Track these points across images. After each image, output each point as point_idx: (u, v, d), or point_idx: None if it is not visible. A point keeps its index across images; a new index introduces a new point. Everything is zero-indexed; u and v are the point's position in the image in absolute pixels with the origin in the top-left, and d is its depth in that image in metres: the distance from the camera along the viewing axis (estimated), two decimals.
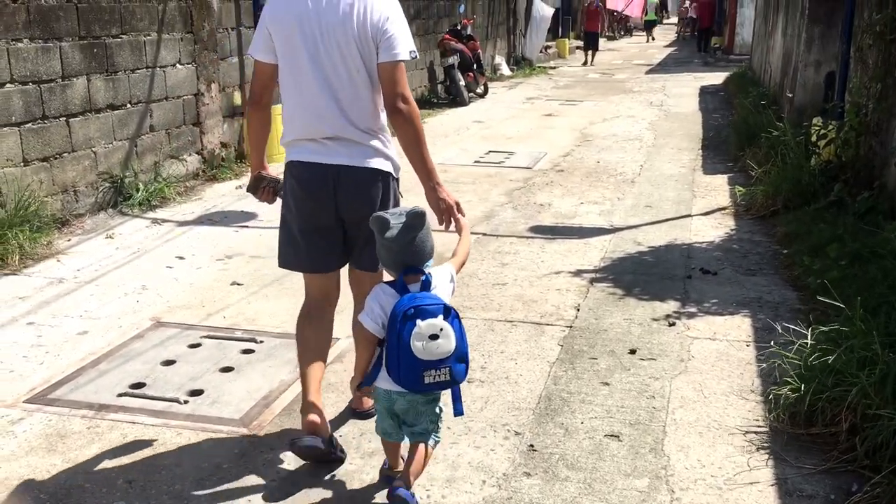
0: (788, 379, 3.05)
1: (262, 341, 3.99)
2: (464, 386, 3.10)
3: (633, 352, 3.78)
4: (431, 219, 2.66)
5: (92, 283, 4.81)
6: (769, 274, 4.87)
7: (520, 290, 4.69)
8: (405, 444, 2.69)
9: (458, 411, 2.56)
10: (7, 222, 5.23)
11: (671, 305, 4.39)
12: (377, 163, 2.88)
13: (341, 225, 2.94)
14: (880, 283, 3.78)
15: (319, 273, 3.06)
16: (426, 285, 2.55)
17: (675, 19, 55.16)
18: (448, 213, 2.88)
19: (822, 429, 2.86)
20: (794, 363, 3.08)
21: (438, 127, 11.00)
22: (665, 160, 8.54)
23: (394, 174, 2.97)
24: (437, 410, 2.62)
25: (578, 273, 4.98)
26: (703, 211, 6.43)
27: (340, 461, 2.92)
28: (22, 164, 5.55)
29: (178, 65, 7.20)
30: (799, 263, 4.75)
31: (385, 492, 2.62)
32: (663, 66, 20.94)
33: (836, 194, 5.66)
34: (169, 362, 3.75)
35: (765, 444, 2.97)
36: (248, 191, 3.18)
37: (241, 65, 8.20)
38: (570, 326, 4.14)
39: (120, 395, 3.43)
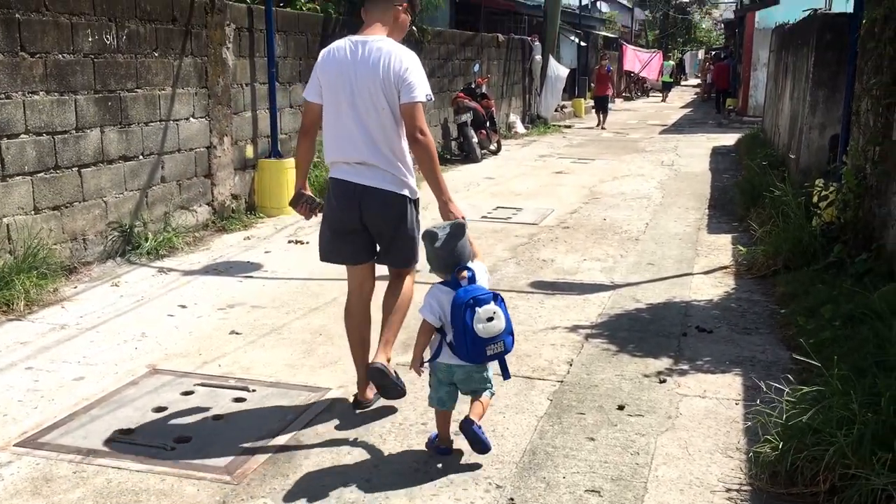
0: (770, 437, 3.04)
1: (254, 390, 4.02)
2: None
3: (621, 407, 3.78)
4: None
5: (93, 330, 4.89)
6: (765, 333, 4.86)
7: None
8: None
9: (506, 376, 3.38)
10: (15, 268, 5.35)
11: (664, 362, 4.39)
12: (394, 187, 3.59)
13: (366, 229, 3.68)
14: (870, 343, 3.77)
15: (349, 265, 3.82)
16: (472, 279, 3.23)
17: (693, 81, 55.96)
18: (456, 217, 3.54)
19: (803, 489, 2.84)
20: (776, 422, 3.08)
21: (449, 182, 11.00)
22: (671, 219, 8.59)
23: (410, 197, 3.66)
24: (486, 374, 3.31)
25: (575, 328, 5.00)
26: (705, 269, 6.44)
27: (401, 391, 3.67)
28: (33, 212, 5.70)
29: (191, 118, 7.40)
30: (794, 323, 4.75)
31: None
32: (677, 127, 21.13)
33: (836, 255, 5.67)
34: (160, 409, 3.79)
35: (745, 503, 2.95)
36: (289, 204, 3.92)
37: (254, 119, 8.41)
38: (562, 381, 4.15)
39: (108, 440, 3.47)
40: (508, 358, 4.36)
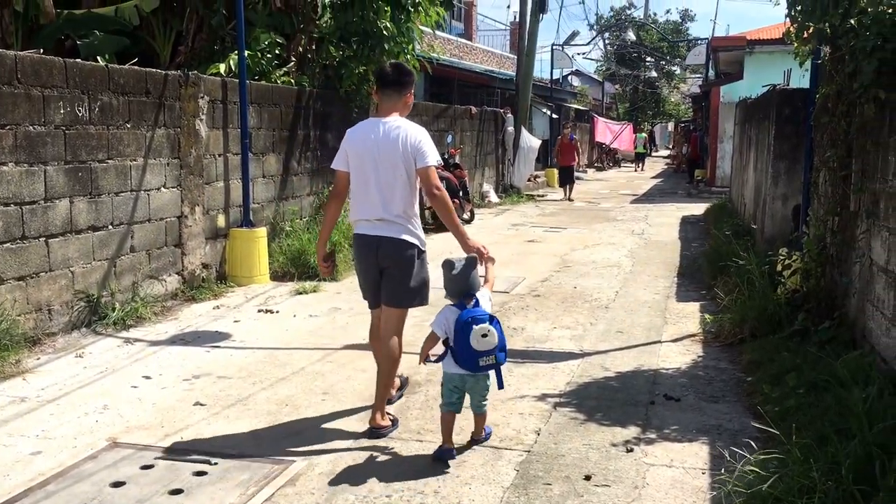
0: None
1: (216, 463, 3.95)
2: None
3: (588, 478, 3.76)
4: None
5: (53, 403, 4.80)
6: (731, 402, 4.88)
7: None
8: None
9: (500, 385, 4.07)
10: None
11: (631, 431, 4.38)
12: (407, 236, 4.38)
13: (381, 274, 4.40)
14: (832, 411, 3.80)
15: (372, 307, 4.60)
16: (477, 303, 4.01)
17: (663, 152, 57.22)
18: (480, 253, 4.28)
19: None
20: (739, 490, 3.07)
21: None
22: (641, 287, 8.67)
23: (419, 246, 4.46)
24: (488, 387, 4.07)
25: (543, 397, 4.98)
26: (673, 337, 6.49)
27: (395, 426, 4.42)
28: None
29: (163, 188, 7.43)
30: (760, 391, 4.78)
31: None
32: (648, 197, 21.50)
33: (800, 324, 5.74)
34: (118, 484, 3.70)
35: None
36: (322, 260, 4.67)
37: (226, 189, 8.46)
38: (529, 451, 4.12)
39: None
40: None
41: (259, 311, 7.34)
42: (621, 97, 55.25)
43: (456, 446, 4.06)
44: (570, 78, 46.68)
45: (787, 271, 6.37)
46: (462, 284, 4.02)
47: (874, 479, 2.81)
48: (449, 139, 15.13)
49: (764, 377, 4.98)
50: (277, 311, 7.31)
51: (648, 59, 51.99)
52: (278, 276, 8.82)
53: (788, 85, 8.37)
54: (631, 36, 39.31)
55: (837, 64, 5.27)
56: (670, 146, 57.66)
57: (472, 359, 3.91)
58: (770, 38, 20.65)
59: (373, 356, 4.62)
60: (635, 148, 38.68)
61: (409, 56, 12.26)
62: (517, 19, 23.01)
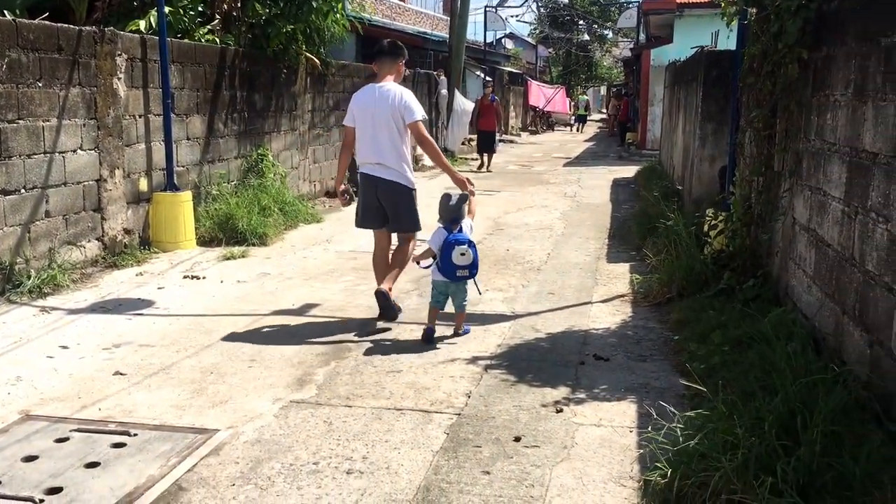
0: (659, 464, 3.05)
1: (135, 434, 3.81)
2: (342, 477, 3.42)
3: (517, 439, 3.75)
4: None
5: None
6: (658, 360, 4.94)
7: (414, 378, 4.64)
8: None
9: (479, 292, 5.75)
10: None
11: (561, 392, 4.39)
12: (400, 179, 5.55)
13: (381, 206, 5.62)
14: (757, 368, 3.87)
15: (374, 229, 5.80)
16: (461, 229, 5.26)
17: (596, 116, 57.72)
18: (464, 183, 5.58)
19: None
20: (665, 448, 3.09)
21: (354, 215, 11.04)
22: (572, 249, 8.72)
23: (410, 186, 5.62)
24: (467, 290, 5.39)
25: (474, 360, 4.96)
26: (603, 298, 6.54)
27: (395, 314, 5.66)
28: None
29: (79, 150, 7.09)
30: (686, 350, 4.84)
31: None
32: (580, 160, 21.67)
33: (726, 282, 5.84)
34: (31, 458, 3.53)
35: None
36: (338, 195, 6.12)
37: (148, 151, 8.14)
38: (459, 414, 4.09)
39: None
40: (405, 391, 4.51)
41: (184, 277, 7.12)
42: (555, 60, 55.39)
43: (441, 337, 5.33)
44: (503, 41, 46.52)
45: (713, 232, 6.47)
46: (453, 213, 5.29)
47: (797, 433, 2.85)
48: None
49: (691, 335, 5.06)
50: (204, 277, 7.10)
51: (581, 22, 52.16)
52: (205, 241, 8.58)
53: (716, 47, 8.44)
54: None
55: (763, 24, 5.30)
56: (603, 110, 58.30)
57: (452, 270, 5.21)
58: (699, 2, 20.87)
59: (375, 268, 5.97)
60: (577, 110, 39.17)
61: (338, 15, 11.97)
62: None
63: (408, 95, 5.50)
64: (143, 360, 4.90)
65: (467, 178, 5.61)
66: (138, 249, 7.90)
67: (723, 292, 5.81)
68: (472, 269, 5.24)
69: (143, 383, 4.52)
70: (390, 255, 5.89)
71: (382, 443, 3.74)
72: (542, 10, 52.23)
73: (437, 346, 5.28)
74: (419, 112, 5.48)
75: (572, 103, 42.35)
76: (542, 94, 38.04)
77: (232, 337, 5.41)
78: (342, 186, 5.99)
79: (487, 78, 24.26)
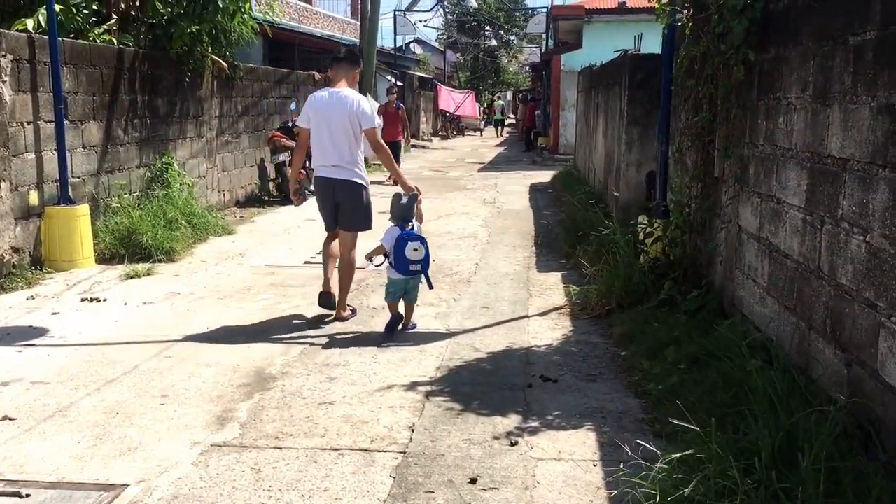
0: None
1: (28, 495, 3.24)
2: None
3: (473, 481, 3.37)
4: None
5: None
6: (609, 379, 4.66)
7: (349, 410, 4.21)
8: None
9: (430, 287, 5.75)
10: None
11: (513, 420, 4.05)
12: (356, 178, 5.72)
13: (337, 207, 5.76)
14: (721, 389, 3.62)
15: (329, 231, 5.99)
16: (412, 227, 5.49)
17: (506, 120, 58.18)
18: (413, 191, 5.66)
19: None
20: (648, 492, 2.77)
21: (268, 226, 10.48)
22: (500, 258, 8.43)
23: (364, 185, 5.79)
24: (419, 286, 5.60)
25: (413, 386, 4.57)
26: (540, 311, 6.26)
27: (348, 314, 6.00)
28: None
29: None
30: (638, 367, 4.59)
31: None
32: (495, 165, 21.53)
33: (668, 292, 5.64)
34: None
35: None
36: (291, 195, 6.30)
37: (38, 161, 7.40)
38: (404, 452, 3.69)
39: None
40: (341, 426, 4.04)
41: (83, 299, 6.45)
42: (462, 66, 55.53)
43: (389, 325, 5.64)
44: (412, 46, 46.31)
45: (648, 239, 6.27)
46: (405, 212, 5.55)
47: (791, 465, 2.58)
48: (293, 106, 14.28)
49: (640, 351, 4.81)
50: (105, 300, 6.46)
51: (487, 28, 52.44)
52: (105, 258, 7.88)
53: (640, 50, 8.32)
54: (472, 3, 39.26)
55: (704, 24, 5.11)
56: (510, 115, 58.74)
57: (405, 265, 5.44)
58: (608, 8, 21.09)
59: (324, 255, 6.16)
60: (495, 115, 39.69)
61: (245, 16, 11.38)
62: None
63: (364, 102, 5.73)
64: (36, 401, 4.30)
65: (416, 186, 5.78)
66: (29, 270, 7.16)
67: (665, 303, 5.61)
68: (424, 264, 5.52)
69: (36, 429, 3.93)
70: (335, 247, 6.10)
71: (320, 492, 3.30)
72: (449, 15, 52.31)
73: (377, 360, 4.89)
74: (375, 119, 5.77)
75: (482, 108, 42.53)
76: (452, 99, 37.96)
77: (139, 369, 4.84)
78: (296, 186, 6.21)
79: (398, 83, 23.69)
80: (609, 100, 9.84)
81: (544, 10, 26.88)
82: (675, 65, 6.11)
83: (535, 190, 15.24)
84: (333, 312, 5.94)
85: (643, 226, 6.52)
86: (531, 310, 6.31)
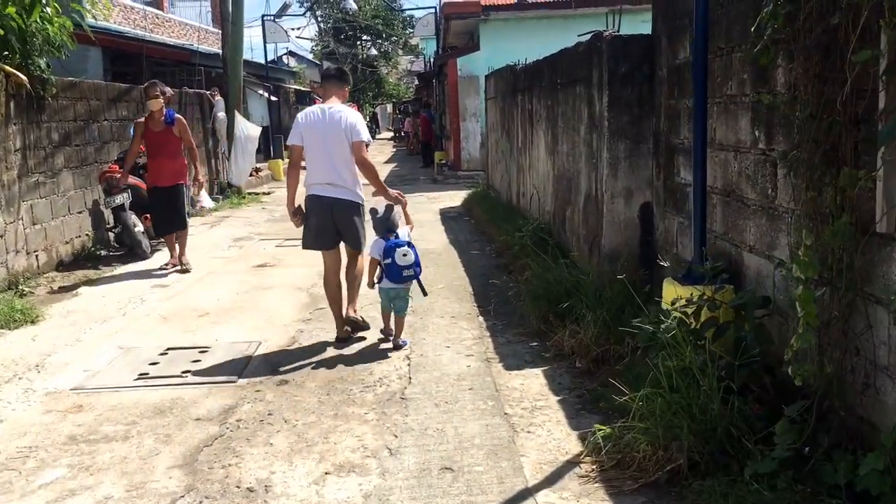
0: None
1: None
2: None
3: None
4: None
5: None
6: None
7: None
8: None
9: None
10: None
11: None
12: (352, 197, 5.66)
13: (335, 225, 5.67)
14: None
15: (325, 249, 5.79)
16: (398, 236, 5.53)
17: (387, 134, 55.40)
18: (397, 200, 5.77)
19: None
20: None
21: (96, 303, 7.36)
22: (440, 340, 5.75)
23: (361, 203, 5.74)
24: (408, 299, 5.66)
25: None
26: (546, 474, 3.59)
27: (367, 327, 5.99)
28: None
29: None
30: None
31: (389, 342, 5.63)
32: (389, 185, 18.78)
33: (786, 445, 3.10)
34: None
35: None
36: (291, 215, 5.82)
37: None
38: None
39: None
40: None
41: None
42: None
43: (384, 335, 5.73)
44: (285, 58, 43.05)
45: (711, 334, 3.71)
46: (385, 223, 5.52)
47: None
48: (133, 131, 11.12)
49: None
50: None
51: (365, 36, 49.69)
52: None
53: (618, 31, 5.81)
54: (352, 5, 36.35)
55: None
56: (390, 127, 56.10)
57: (398, 272, 5.41)
58: (506, 4, 18.83)
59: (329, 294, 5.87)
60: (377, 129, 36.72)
61: (49, 9, 8.31)
62: None
63: (355, 117, 5.63)
64: None
65: (399, 193, 5.82)
66: None
67: (788, 464, 3.06)
68: (416, 267, 5.47)
69: None
70: (342, 273, 5.89)
71: None
72: (321, 24, 49.24)
73: None
74: (366, 134, 5.62)
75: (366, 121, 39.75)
76: None
77: None
78: (294, 206, 5.77)
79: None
80: (565, 103, 7.32)
81: (432, 10, 24.36)
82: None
83: (447, 218, 12.63)
84: (363, 333, 5.92)
85: (687, 302, 3.97)
86: (528, 469, 3.64)
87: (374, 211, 5.57)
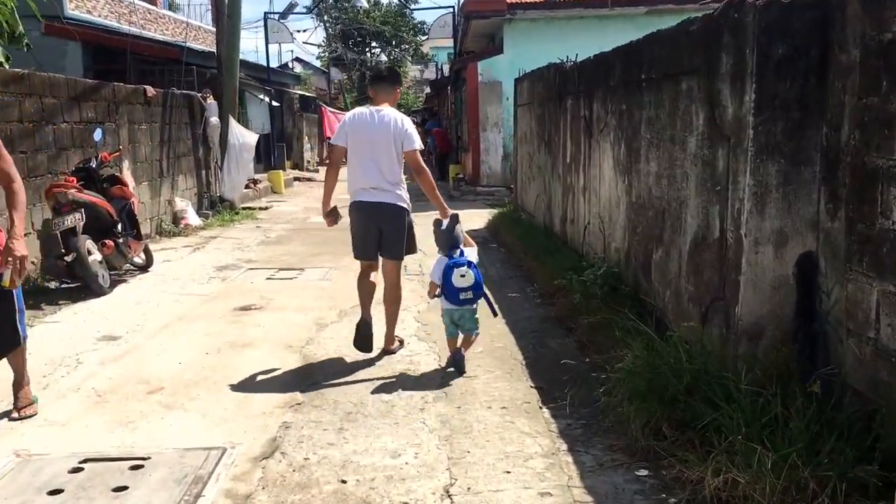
0: None
1: None
2: None
3: None
4: None
5: None
6: None
7: None
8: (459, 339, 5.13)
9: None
10: None
11: None
12: (398, 202, 5.38)
13: (379, 232, 5.42)
14: None
15: (366, 260, 5.57)
16: (461, 254, 5.09)
17: None
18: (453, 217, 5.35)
19: None
20: None
21: (30, 360, 5.40)
22: (492, 457, 3.81)
23: (407, 208, 5.45)
24: (475, 317, 5.14)
25: None
26: None
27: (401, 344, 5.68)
28: None
29: None
30: None
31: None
32: None
33: None
34: None
35: None
36: (324, 216, 5.58)
37: None
38: None
39: None
40: None
41: None
42: (348, 86, 50.70)
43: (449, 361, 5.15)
44: (291, 65, 41.34)
45: None
46: (449, 237, 5.09)
47: None
48: (97, 136, 9.22)
49: None
50: None
51: (373, 43, 47.91)
52: None
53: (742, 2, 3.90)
54: (363, 3, 34.49)
55: None
56: None
57: (455, 294, 4.98)
58: (535, 1, 16.97)
59: (360, 289, 5.58)
60: None
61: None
62: None
63: (407, 122, 5.39)
64: None
65: (455, 214, 5.24)
66: None
67: None
68: (477, 289, 5.03)
69: None
70: (375, 277, 5.60)
71: None
72: (329, 29, 47.48)
73: None
74: (418, 141, 5.38)
75: None
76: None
77: None
78: (329, 207, 5.54)
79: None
80: (656, 105, 5.39)
81: (450, 9, 22.48)
82: None
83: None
84: (372, 354, 5.47)
85: None
86: None
87: (437, 222, 5.22)
